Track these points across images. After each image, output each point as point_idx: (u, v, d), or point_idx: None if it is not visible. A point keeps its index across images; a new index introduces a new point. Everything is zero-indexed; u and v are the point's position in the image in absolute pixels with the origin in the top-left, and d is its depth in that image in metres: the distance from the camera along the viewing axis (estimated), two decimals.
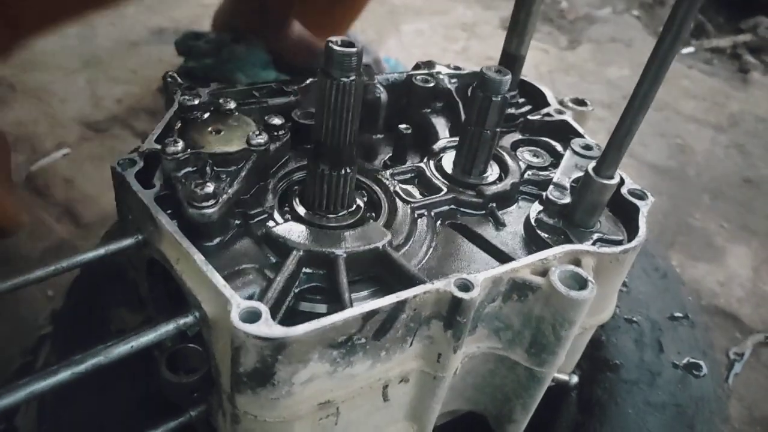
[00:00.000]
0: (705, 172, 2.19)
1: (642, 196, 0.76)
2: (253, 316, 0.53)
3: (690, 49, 3.21)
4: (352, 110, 0.60)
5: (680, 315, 1.06)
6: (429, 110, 0.92)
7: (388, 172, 0.78)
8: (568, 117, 0.89)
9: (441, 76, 0.92)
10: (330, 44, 0.57)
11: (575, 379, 0.79)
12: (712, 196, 2.06)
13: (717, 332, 1.52)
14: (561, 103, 0.93)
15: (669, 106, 2.57)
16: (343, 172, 0.65)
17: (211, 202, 0.62)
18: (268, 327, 0.52)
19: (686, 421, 0.89)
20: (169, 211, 0.64)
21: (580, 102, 0.93)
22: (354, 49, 0.57)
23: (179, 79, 0.72)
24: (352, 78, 0.58)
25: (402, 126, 0.83)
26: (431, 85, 0.91)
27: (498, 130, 0.76)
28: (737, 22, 3.33)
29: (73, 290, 0.95)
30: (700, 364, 0.97)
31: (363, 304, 0.56)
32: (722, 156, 2.30)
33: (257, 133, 0.67)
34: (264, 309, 0.53)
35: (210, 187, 0.61)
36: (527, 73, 0.95)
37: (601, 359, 0.96)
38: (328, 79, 0.58)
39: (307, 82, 0.87)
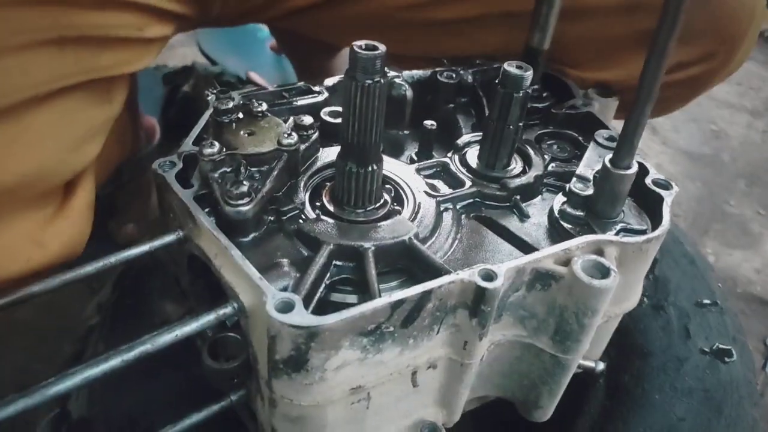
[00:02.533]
0: (740, 158, 2.14)
1: (666, 186, 0.76)
2: (287, 307, 0.56)
3: None
4: (377, 111, 0.63)
5: (708, 302, 1.05)
6: (453, 106, 0.94)
7: (414, 166, 0.81)
8: (592, 109, 0.90)
9: (464, 72, 0.94)
10: (354, 48, 0.60)
11: (601, 366, 0.81)
12: (748, 182, 2.01)
13: (754, 320, 1.50)
14: (585, 95, 0.93)
15: None
16: (369, 169, 0.68)
17: (246, 200, 0.65)
18: (301, 316, 0.55)
19: (714, 406, 0.89)
20: (206, 209, 0.67)
21: (606, 93, 0.94)
22: (377, 53, 0.59)
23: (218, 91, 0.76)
24: (377, 80, 0.60)
25: (427, 122, 0.85)
26: (455, 81, 0.92)
27: (520, 125, 0.77)
28: None
29: (119, 283, 1.00)
30: (729, 349, 0.97)
31: (391, 294, 0.58)
32: (758, 141, 2.25)
33: (287, 133, 0.70)
34: (297, 299, 0.56)
35: (244, 187, 0.65)
36: None
37: (629, 346, 0.97)
38: (353, 81, 0.61)
39: (334, 81, 0.89)
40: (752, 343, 1.35)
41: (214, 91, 0.80)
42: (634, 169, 0.71)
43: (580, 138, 0.88)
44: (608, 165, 0.71)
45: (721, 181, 2.01)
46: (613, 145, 0.83)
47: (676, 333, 0.98)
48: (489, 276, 0.61)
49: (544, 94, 0.94)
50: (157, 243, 0.68)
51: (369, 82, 0.60)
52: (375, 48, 0.59)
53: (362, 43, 0.60)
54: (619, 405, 0.89)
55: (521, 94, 0.74)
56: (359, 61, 0.59)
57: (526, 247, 0.73)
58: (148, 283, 0.95)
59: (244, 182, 0.66)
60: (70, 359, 0.85)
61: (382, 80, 0.60)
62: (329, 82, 0.89)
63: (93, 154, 0.85)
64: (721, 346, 0.97)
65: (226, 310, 0.61)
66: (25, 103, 0.75)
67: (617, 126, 0.88)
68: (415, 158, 0.87)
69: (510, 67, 0.73)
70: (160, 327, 0.78)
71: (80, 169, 0.83)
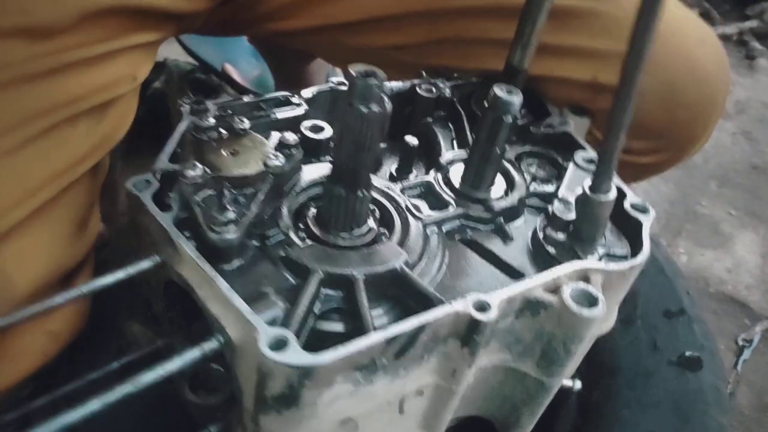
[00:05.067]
0: (712, 159, 2.21)
1: (644, 210, 0.78)
2: (280, 344, 0.55)
3: None
4: (374, 138, 0.62)
5: (676, 311, 1.09)
6: (432, 120, 0.93)
7: (398, 186, 0.79)
8: (569, 128, 0.91)
9: (443, 86, 0.93)
10: (352, 74, 0.58)
11: (579, 384, 0.83)
12: (719, 183, 2.08)
13: (725, 319, 1.56)
14: (561, 113, 0.94)
15: None
16: (359, 194, 0.66)
17: (232, 226, 0.63)
18: (296, 355, 0.54)
19: (681, 416, 0.93)
20: (186, 234, 0.65)
21: (580, 112, 0.95)
22: (376, 80, 0.58)
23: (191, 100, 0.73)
24: (375, 108, 0.59)
25: (409, 138, 0.84)
26: (434, 94, 0.91)
27: (507, 147, 0.77)
28: (743, 9, 3.33)
29: None
30: (698, 357, 1.01)
31: (387, 329, 0.58)
32: (729, 143, 2.32)
33: (274, 154, 0.68)
34: (291, 336, 0.55)
35: (231, 213, 0.62)
36: None
37: (597, 362, 1.00)
38: (350, 108, 0.59)
39: (313, 92, 0.87)
40: (724, 342, 1.41)
41: (188, 102, 0.76)
42: (614, 193, 0.72)
43: (559, 158, 0.89)
44: (587, 191, 0.71)
45: (693, 183, 2.08)
46: (593, 167, 0.84)
47: (644, 346, 1.02)
48: (482, 306, 0.62)
49: (522, 111, 0.95)
50: (132, 270, 0.65)
51: (367, 110, 0.58)
52: (374, 75, 0.58)
53: (361, 69, 0.58)
54: (589, 423, 0.92)
55: (510, 118, 0.74)
56: (357, 89, 0.58)
57: (512, 272, 0.74)
58: (114, 301, 0.90)
59: (230, 207, 0.63)
60: (32, 378, 0.80)
61: (381, 108, 0.59)
62: (307, 93, 0.86)
63: (96, 230, 0.83)
64: (688, 354, 1.01)
65: (213, 345, 0.60)
66: (47, 203, 0.72)
67: None
68: (395, 174, 0.86)
69: (501, 91, 0.73)
70: (127, 348, 0.75)
71: (86, 252, 0.81)
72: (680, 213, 1.92)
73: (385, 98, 0.86)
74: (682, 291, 1.13)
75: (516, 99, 0.73)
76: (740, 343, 1.44)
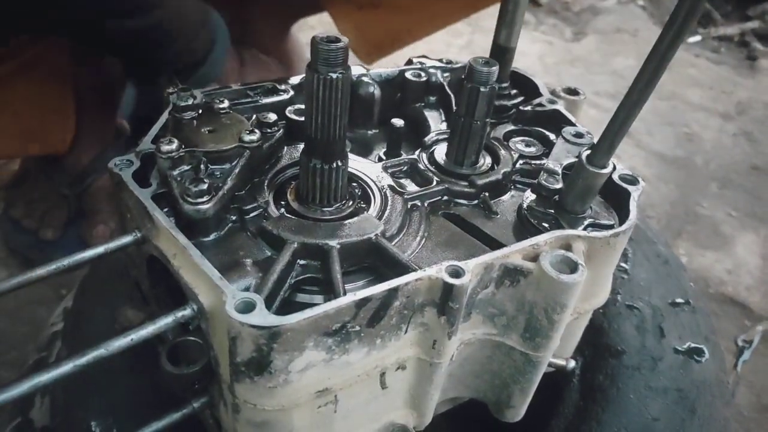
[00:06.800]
0: (713, 161, 2.19)
1: (633, 181, 0.77)
2: (248, 306, 0.55)
3: (697, 38, 3.20)
4: (341, 105, 0.62)
5: (682, 301, 1.07)
6: (422, 104, 0.94)
7: (381, 164, 0.80)
8: (559, 107, 0.91)
9: (433, 71, 0.94)
10: (315, 40, 0.59)
11: (572, 363, 0.81)
12: (720, 185, 2.06)
13: (725, 320, 1.53)
14: (553, 93, 0.94)
15: (676, 95, 2.58)
16: (334, 165, 0.67)
17: (206, 198, 0.64)
18: (262, 316, 0.54)
19: (688, 405, 0.90)
20: (165, 209, 0.66)
21: (572, 91, 0.95)
22: (340, 44, 0.59)
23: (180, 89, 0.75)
24: (339, 73, 0.60)
25: (395, 120, 0.85)
26: (423, 79, 0.93)
27: (488, 120, 0.78)
28: (745, 10, 3.32)
29: (82, 289, 0.98)
30: (702, 349, 0.99)
31: (356, 293, 0.58)
32: (730, 144, 2.30)
33: (249, 130, 0.70)
34: (258, 299, 0.55)
35: (204, 184, 0.64)
36: (533, 66, 0.96)
37: (603, 345, 0.97)
38: (315, 74, 0.60)
39: (300, 79, 0.89)
40: (724, 343, 1.38)
41: (175, 89, 0.79)
42: (609, 168, 0.71)
43: (549, 135, 0.89)
44: (584, 161, 0.70)
45: (694, 184, 2.05)
46: (580, 141, 0.84)
47: (650, 332, 0.99)
48: (456, 272, 0.61)
49: (513, 92, 0.95)
50: (112, 245, 0.67)
51: (332, 75, 0.60)
52: (337, 40, 0.59)
53: (324, 35, 0.60)
54: (593, 405, 0.89)
55: (487, 89, 0.74)
56: (321, 54, 0.59)
57: (494, 244, 0.73)
58: (113, 288, 0.93)
59: (204, 180, 0.65)
60: (35, 366, 0.83)
61: (345, 73, 0.60)
62: (295, 80, 0.88)
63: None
64: (694, 345, 0.98)
65: (185, 312, 0.60)
66: None
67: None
68: (384, 157, 0.87)
69: (476, 62, 0.73)
70: (121, 331, 0.77)
71: None
72: (680, 214, 1.89)
73: (371, 80, 0.88)
74: (687, 282, 1.10)
75: (492, 69, 0.73)
76: (740, 344, 1.40)
